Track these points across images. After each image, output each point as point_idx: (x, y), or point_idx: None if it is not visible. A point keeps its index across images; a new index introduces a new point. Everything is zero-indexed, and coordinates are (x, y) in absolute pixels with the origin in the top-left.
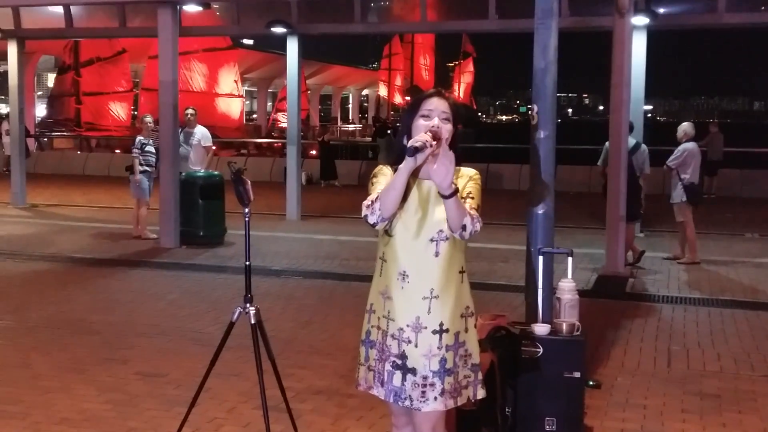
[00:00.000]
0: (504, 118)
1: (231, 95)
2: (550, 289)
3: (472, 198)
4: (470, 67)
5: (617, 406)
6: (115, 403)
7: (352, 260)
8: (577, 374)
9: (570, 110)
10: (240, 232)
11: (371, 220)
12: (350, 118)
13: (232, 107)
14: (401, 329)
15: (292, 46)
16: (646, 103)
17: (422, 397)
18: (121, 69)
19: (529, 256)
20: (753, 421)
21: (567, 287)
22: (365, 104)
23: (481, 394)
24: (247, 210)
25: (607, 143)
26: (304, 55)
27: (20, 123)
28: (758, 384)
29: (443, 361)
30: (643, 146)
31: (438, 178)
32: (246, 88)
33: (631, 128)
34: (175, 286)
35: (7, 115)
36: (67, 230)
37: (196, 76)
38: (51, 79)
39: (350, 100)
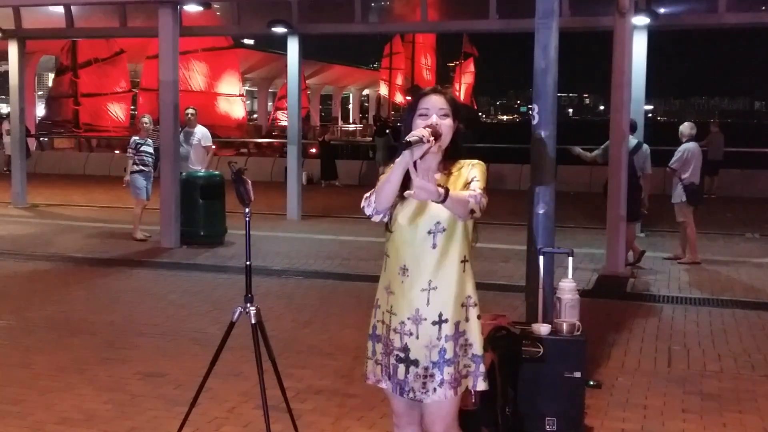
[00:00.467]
0: (505, 117)
1: (231, 95)
2: (551, 289)
3: (478, 180)
4: (471, 67)
5: (618, 406)
6: (115, 403)
7: (352, 260)
8: (578, 374)
9: (570, 110)
10: (240, 232)
11: (367, 211)
12: (351, 118)
13: (234, 106)
14: (403, 323)
15: (293, 46)
16: (647, 103)
17: (423, 388)
18: (120, 69)
19: (529, 256)
20: (753, 421)
21: (567, 287)
22: (366, 104)
23: (481, 386)
24: (247, 210)
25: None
26: (304, 55)
27: (21, 123)
28: (759, 384)
29: (443, 351)
30: (645, 146)
31: (423, 199)
32: (246, 88)
33: (634, 128)
34: (175, 286)
35: (8, 115)
36: (68, 230)
37: (196, 76)
38: (51, 79)
39: (351, 100)
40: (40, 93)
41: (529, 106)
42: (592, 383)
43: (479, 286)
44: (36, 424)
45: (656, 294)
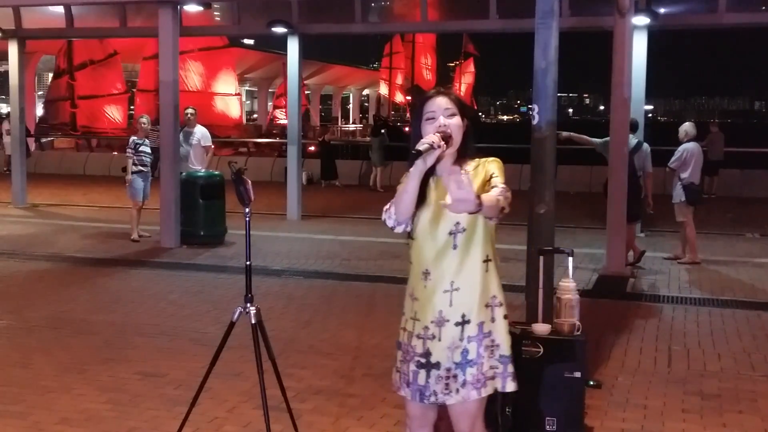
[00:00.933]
0: (505, 117)
1: (228, 94)
2: (551, 289)
3: (497, 176)
4: (471, 67)
5: (618, 406)
6: (115, 403)
7: (352, 260)
8: (578, 374)
9: (570, 110)
10: (240, 232)
11: (389, 224)
12: (351, 118)
13: (230, 106)
14: (426, 327)
15: (293, 46)
16: (647, 103)
17: (446, 389)
18: (115, 71)
19: (529, 256)
20: (754, 421)
21: (567, 287)
22: (366, 104)
23: (510, 386)
24: (247, 210)
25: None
26: (304, 55)
27: (21, 123)
28: (759, 384)
29: (465, 352)
30: (645, 145)
31: (461, 212)
32: (246, 88)
33: (635, 127)
34: (175, 286)
35: (8, 115)
36: (68, 230)
37: (192, 76)
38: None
39: (351, 100)
40: (40, 93)
41: (529, 106)
42: (592, 383)
43: None
44: (36, 424)
45: (656, 294)
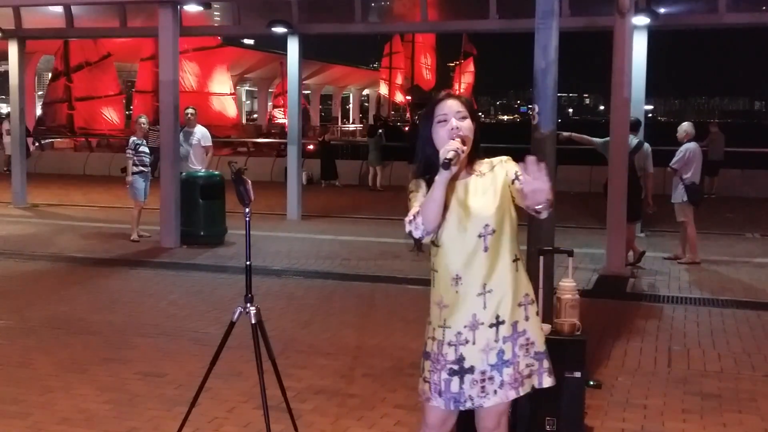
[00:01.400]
0: (505, 117)
1: (223, 93)
2: (551, 289)
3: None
4: (471, 66)
5: (618, 406)
6: (115, 403)
7: (352, 260)
8: (578, 374)
9: (571, 110)
10: (240, 232)
11: (416, 234)
12: (351, 118)
13: (227, 106)
14: (459, 333)
15: (293, 46)
16: (647, 103)
17: (482, 392)
18: (109, 73)
19: (529, 256)
20: (754, 421)
21: (567, 287)
22: (366, 104)
23: (547, 382)
24: (247, 210)
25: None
26: (304, 54)
27: (21, 123)
28: (759, 384)
29: (501, 353)
30: (646, 145)
31: (537, 203)
32: (246, 88)
33: (637, 127)
34: (175, 286)
35: (8, 115)
36: (68, 230)
37: (187, 76)
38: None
39: (351, 100)
40: (40, 93)
41: (529, 106)
42: (592, 383)
43: None
44: (36, 424)
45: (656, 294)
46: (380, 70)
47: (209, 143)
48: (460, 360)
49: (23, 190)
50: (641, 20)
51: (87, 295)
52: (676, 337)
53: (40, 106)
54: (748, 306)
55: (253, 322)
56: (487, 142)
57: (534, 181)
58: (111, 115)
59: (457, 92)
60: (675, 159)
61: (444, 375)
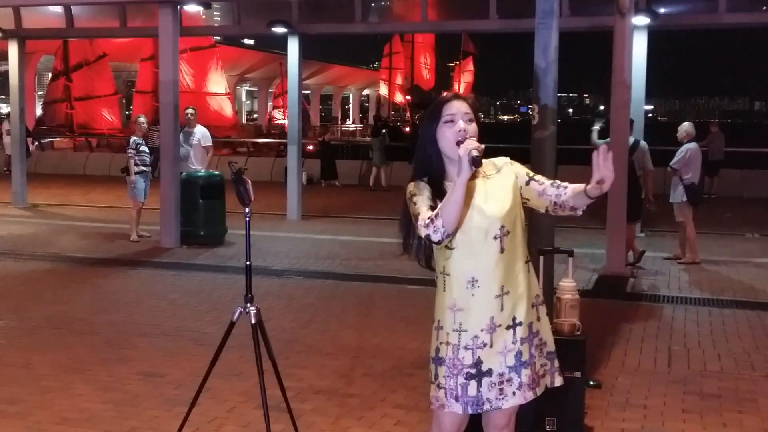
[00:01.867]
0: (505, 117)
1: (219, 93)
2: (551, 289)
3: (532, 173)
4: (470, 66)
5: (618, 406)
6: (115, 403)
7: (352, 260)
8: (578, 374)
9: (571, 110)
10: (240, 232)
11: (435, 238)
12: (351, 118)
13: (224, 105)
14: (476, 336)
15: (293, 46)
16: (647, 103)
17: (500, 394)
18: (104, 74)
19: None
20: (753, 421)
21: (567, 287)
22: (366, 104)
23: (558, 381)
24: (247, 210)
25: (596, 125)
26: (304, 55)
27: (21, 123)
28: (759, 384)
29: (519, 354)
30: (643, 143)
31: (607, 188)
32: (246, 88)
33: (630, 126)
34: (175, 286)
35: (8, 115)
36: (68, 230)
37: (183, 76)
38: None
39: (351, 100)
40: (40, 93)
41: (529, 106)
42: (592, 383)
43: None
44: (36, 424)
45: (656, 294)
46: (380, 70)
47: (209, 143)
48: (477, 363)
49: (23, 190)
50: (641, 20)
51: (87, 295)
52: (676, 337)
53: (40, 106)
54: (748, 306)
55: (253, 322)
56: (487, 143)
57: (605, 170)
58: (108, 114)
59: (455, 91)
60: (675, 159)
61: (461, 379)
